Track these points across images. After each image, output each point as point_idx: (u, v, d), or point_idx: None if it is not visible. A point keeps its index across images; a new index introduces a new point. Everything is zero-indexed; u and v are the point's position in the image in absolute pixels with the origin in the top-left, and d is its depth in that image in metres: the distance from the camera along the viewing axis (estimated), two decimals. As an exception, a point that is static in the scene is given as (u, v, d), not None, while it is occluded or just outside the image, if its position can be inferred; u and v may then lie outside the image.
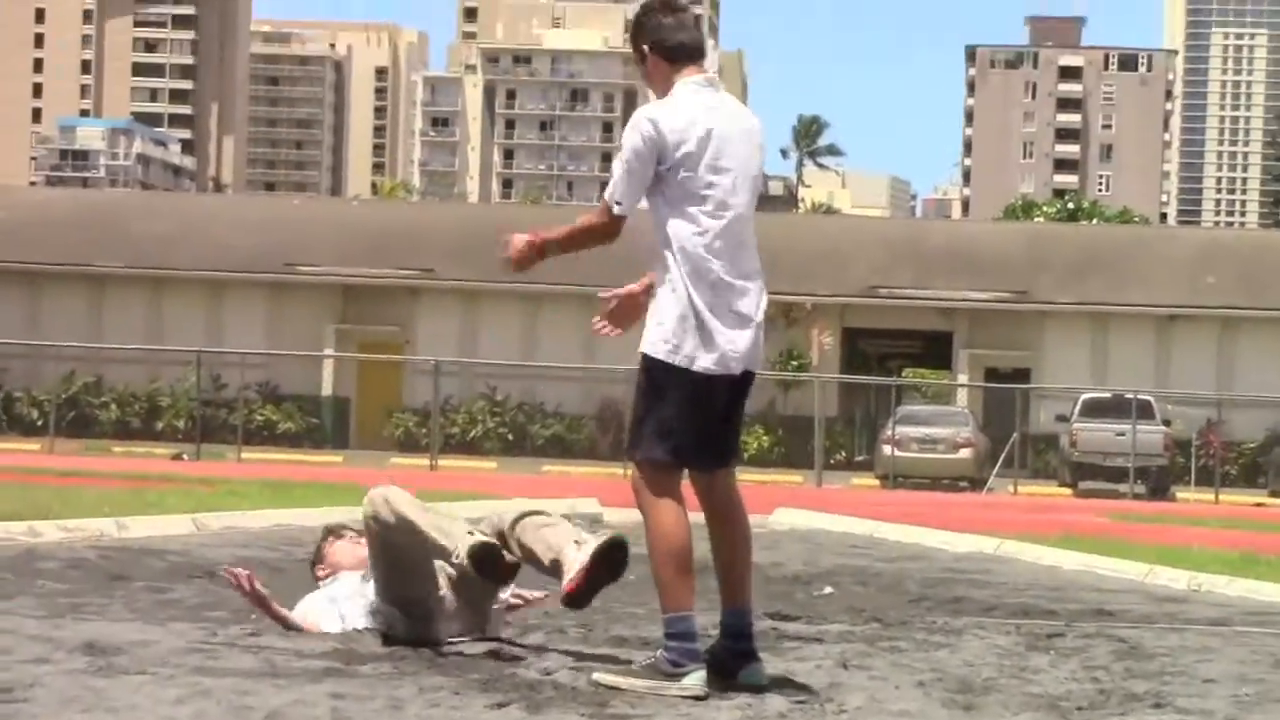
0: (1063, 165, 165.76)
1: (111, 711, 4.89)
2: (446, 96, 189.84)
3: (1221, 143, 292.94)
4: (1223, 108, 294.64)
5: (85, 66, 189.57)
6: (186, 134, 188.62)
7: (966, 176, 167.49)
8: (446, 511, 6.62)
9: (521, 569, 6.16)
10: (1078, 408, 36.09)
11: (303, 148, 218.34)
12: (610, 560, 5.88)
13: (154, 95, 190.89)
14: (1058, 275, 43.64)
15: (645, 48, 5.75)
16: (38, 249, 44.38)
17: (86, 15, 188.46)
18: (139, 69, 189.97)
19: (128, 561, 9.11)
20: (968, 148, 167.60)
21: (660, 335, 5.56)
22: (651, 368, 5.59)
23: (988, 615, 8.16)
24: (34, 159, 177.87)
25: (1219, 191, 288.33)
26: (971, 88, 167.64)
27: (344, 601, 6.52)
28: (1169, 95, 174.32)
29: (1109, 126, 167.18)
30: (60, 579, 8.22)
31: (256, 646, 6.10)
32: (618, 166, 5.61)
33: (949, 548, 12.55)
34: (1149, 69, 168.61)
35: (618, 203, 5.58)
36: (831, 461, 37.46)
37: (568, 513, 14.56)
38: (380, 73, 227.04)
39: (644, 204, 5.64)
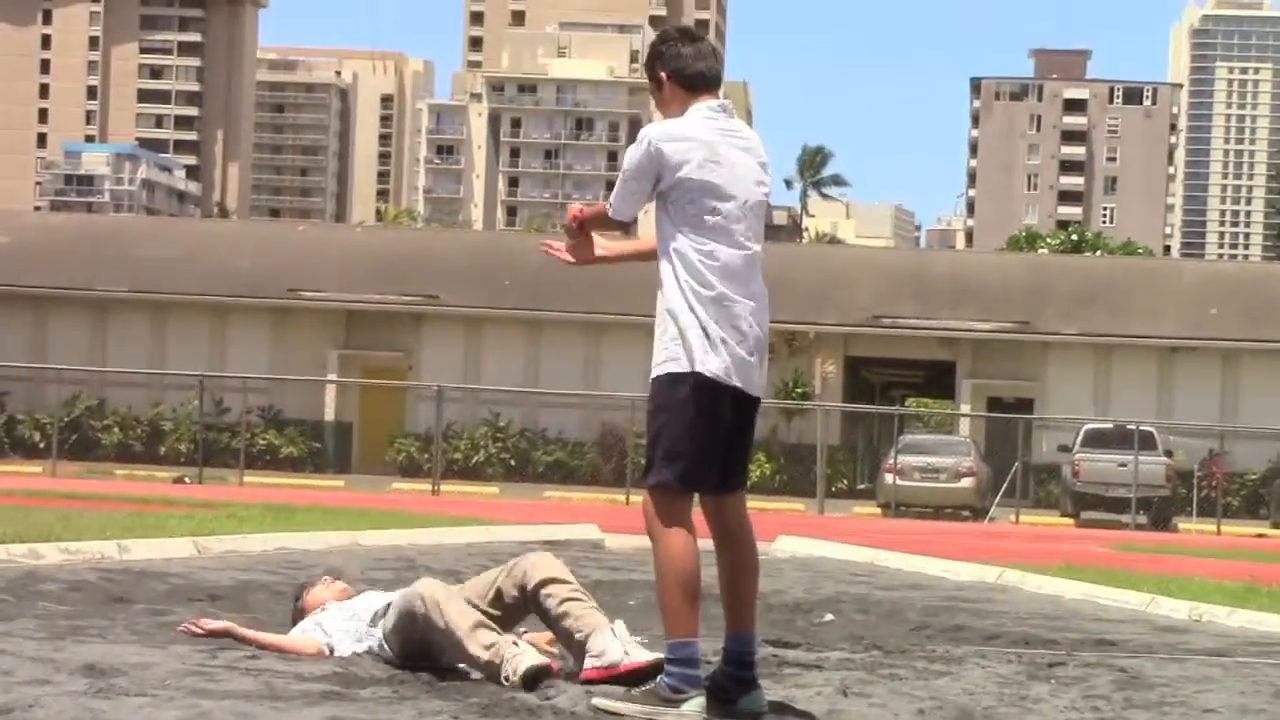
0: (1067, 197, 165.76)
1: (111, 732, 4.90)
2: (452, 124, 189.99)
3: (1225, 176, 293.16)
4: (1227, 141, 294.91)
5: (91, 92, 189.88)
6: (192, 160, 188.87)
7: (971, 207, 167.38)
8: (470, 586, 6.53)
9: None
10: (1080, 438, 36.09)
11: (308, 174, 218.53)
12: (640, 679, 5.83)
13: (159, 121, 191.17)
14: (1061, 306, 43.67)
15: (664, 75, 5.79)
16: (42, 273, 44.46)
17: (93, 41, 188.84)
18: (145, 95, 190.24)
19: (129, 584, 9.11)
20: (972, 179, 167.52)
21: (668, 354, 5.59)
22: (659, 389, 5.61)
23: (988, 644, 8.15)
24: (39, 184, 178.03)
25: (1223, 224, 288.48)
26: (976, 119, 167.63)
27: (334, 631, 6.58)
28: (1173, 128, 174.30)
29: (1113, 159, 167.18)
30: (61, 601, 8.23)
31: (256, 669, 6.10)
32: (620, 176, 5.72)
33: (950, 576, 12.55)
34: (1154, 102, 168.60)
35: (613, 207, 5.75)
36: (833, 490, 37.49)
37: (569, 538, 14.55)
38: (386, 100, 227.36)
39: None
